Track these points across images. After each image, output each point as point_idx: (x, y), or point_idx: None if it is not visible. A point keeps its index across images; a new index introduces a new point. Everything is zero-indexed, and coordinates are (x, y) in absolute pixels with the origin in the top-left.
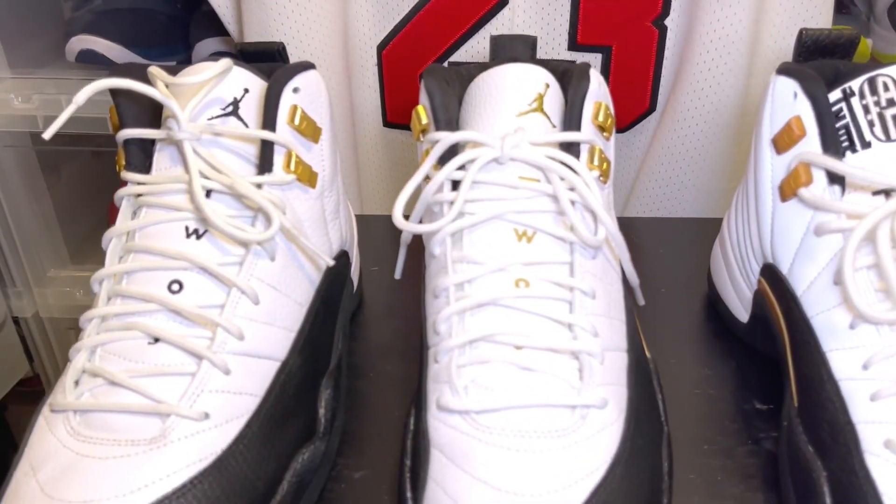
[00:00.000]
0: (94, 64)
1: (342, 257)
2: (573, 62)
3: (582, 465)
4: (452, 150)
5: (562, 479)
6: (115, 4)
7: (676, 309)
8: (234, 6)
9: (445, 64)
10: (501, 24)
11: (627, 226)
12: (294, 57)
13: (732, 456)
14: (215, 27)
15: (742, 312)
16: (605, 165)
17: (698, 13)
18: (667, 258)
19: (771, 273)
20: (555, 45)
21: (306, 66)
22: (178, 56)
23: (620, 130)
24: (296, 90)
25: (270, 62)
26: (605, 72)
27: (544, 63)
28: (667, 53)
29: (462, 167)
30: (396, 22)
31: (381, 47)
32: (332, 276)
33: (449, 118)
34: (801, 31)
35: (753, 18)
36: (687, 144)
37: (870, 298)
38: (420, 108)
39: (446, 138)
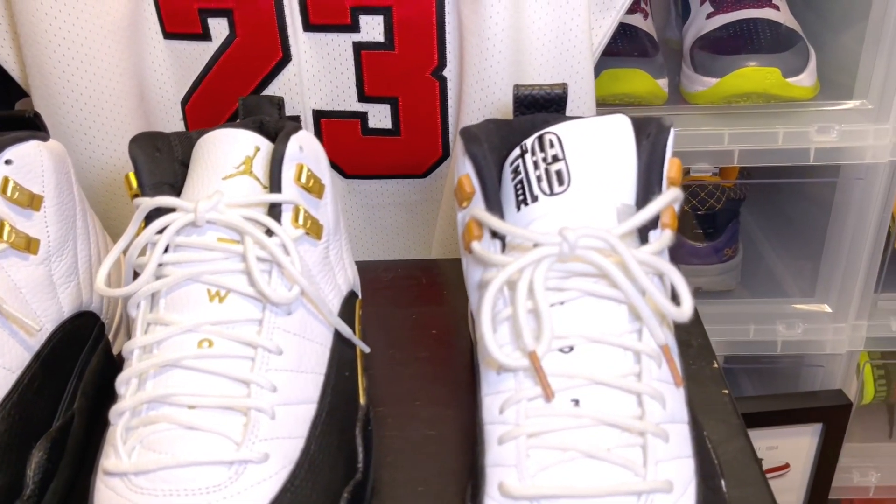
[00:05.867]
0: None
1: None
2: (295, 123)
3: None
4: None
5: None
6: None
7: (440, 350)
8: (20, 67)
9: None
10: (289, 80)
11: (430, 267)
12: (85, 115)
13: (442, 497)
14: None
15: None
16: (309, 223)
17: (465, 66)
18: (457, 298)
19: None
20: (346, 97)
21: (22, 137)
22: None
23: (420, 176)
24: (8, 162)
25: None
26: (396, 121)
27: (263, 126)
28: (450, 102)
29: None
30: (195, 78)
31: (184, 102)
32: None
33: (155, 182)
34: (514, 87)
35: (512, 71)
36: None
37: (508, 347)
38: (130, 174)
39: (145, 204)
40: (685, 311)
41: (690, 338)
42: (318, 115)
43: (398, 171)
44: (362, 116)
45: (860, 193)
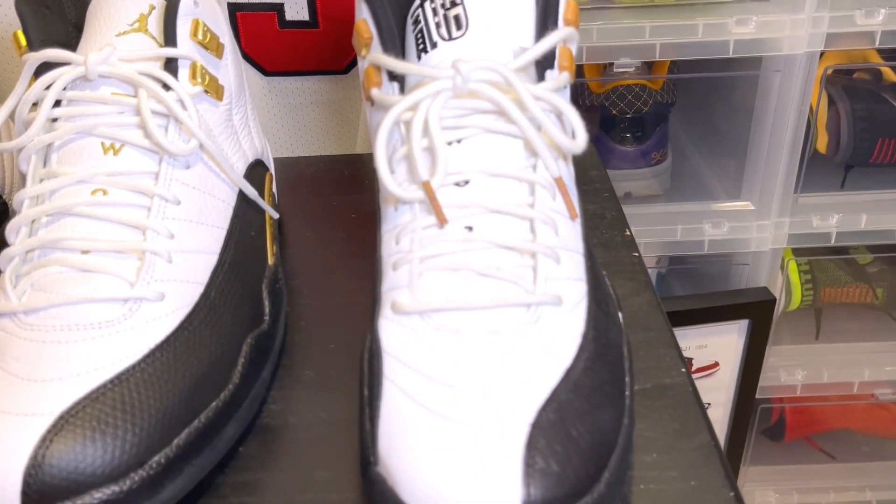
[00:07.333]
0: None
1: None
2: None
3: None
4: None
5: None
6: None
7: (358, 230)
8: None
9: None
10: None
11: (352, 161)
12: None
13: (354, 356)
14: None
15: None
16: (208, 80)
17: None
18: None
19: None
20: None
21: None
22: None
23: (342, 72)
24: None
25: None
26: (313, 12)
27: None
28: None
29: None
30: None
31: None
32: None
33: (45, 39)
34: None
35: None
36: None
37: (405, 183)
38: (18, 31)
39: (33, 58)
40: (579, 143)
41: (605, 211)
42: (234, 8)
43: (318, 66)
44: (278, 8)
45: (779, 87)
